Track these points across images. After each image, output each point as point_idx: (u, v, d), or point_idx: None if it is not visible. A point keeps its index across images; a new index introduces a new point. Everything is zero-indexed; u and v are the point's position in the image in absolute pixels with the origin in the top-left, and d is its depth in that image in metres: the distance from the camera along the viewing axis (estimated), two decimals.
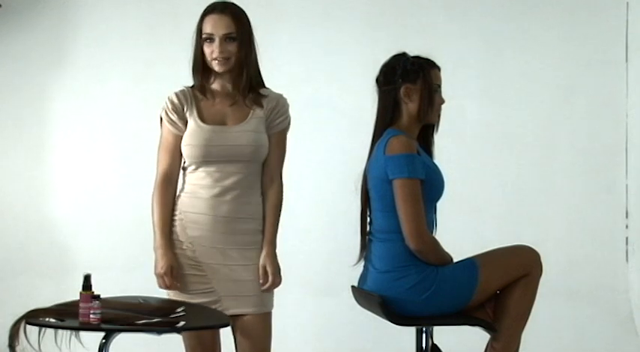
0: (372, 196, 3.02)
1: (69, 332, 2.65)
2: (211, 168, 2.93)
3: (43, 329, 2.58)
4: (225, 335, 2.97)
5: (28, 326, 2.60)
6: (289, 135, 3.06)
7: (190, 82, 3.05)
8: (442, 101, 3.10)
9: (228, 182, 2.92)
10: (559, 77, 4.78)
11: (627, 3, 4.70)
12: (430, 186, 2.95)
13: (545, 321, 3.97)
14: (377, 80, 3.10)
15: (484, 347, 3.00)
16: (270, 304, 2.97)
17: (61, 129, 5.13)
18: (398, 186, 2.89)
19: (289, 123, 3.04)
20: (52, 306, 2.73)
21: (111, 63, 5.08)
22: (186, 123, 2.97)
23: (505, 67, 4.81)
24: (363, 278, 3.07)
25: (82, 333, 2.65)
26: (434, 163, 3.06)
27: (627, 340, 4.56)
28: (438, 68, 3.08)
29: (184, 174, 3.01)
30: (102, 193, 5.06)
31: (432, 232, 3.00)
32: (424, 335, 3.00)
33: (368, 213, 3.09)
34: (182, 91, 3.02)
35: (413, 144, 2.95)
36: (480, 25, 4.83)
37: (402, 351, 3.78)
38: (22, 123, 5.17)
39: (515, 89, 4.81)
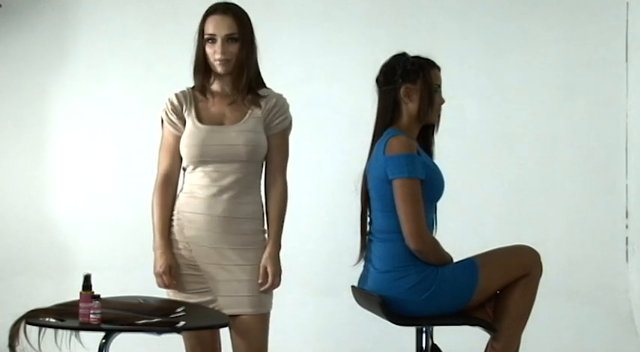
0: (372, 196, 3.02)
1: (69, 332, 2.66)
2: (208, 168, 2.93)
3: (43, 329, 2.58)
4: (226, 334, 2.97)
5: (28, 326, 2.60)
6: (289, 135, 3.06)
7: (190, 83, 3.05)
8: (442, 101, 3.10)
9: (225, 182, 2.93)
10: (559, 77, 4.78)
11: (627, 3, 4.70)
12: (430, 186, 2.95)
13: (545, 321, 3.97)
14: (377, 80, 3.10)
15: (484, 347, 3.00)
16: (267, 305, 2.96)
17: (61, 129, 5.14)
18: (398, 186, 2.89)
19: (290, 124, 3.04)
20: (52, 306, 2.74)
21: (111, 63, 5.09)
22: (185, 123, 2.98)
23: (505, 66, 4.81)
24: (363, 278, 3.07)
25: (82, 333, 2.65)
26: (434, 163, 3.06)
27: (627, 340, 4.55)
28: (438, 68, 3.08)
29: (184, 175, 3.02)
30: (102, 193, 5.06)
31: (432, 232, 3.00)
32: (424, 335, 3.00)
33: (368, 213, 3.09)
34: (182, 92, 3.03)
35: (413, 144, 2.95)
36: (480, 25, 4.83)
37: (402, 351, 3.78)
38: (22, 123, 5.18)
39: (515, 89, 4.81)
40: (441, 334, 3.15)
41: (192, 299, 2.92)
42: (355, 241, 3.12)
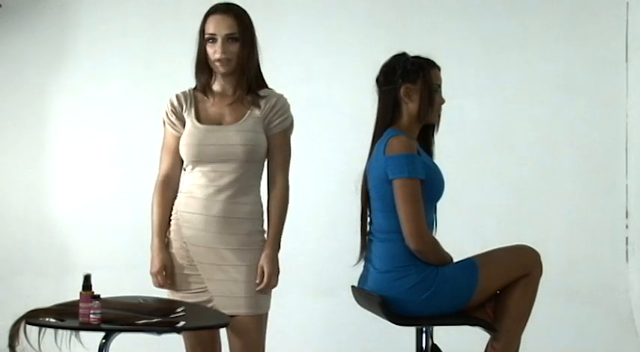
0: (372, 196, 3.02)
1: (69, 332, 2.65)
2: (206, 168, 2.94)
3: (43, 329, 2.58)
4: (225, 334, 2.97)
5: (28, 326, 2.60)
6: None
7: (191, 82, 3.05)
8: (442, 101, 3.10)
9: (222, 182, 2.93)
10: (559, 77, 4.78)
11: (627, 3, 4.70)
12: (430, 186, 2.95)
13: (545, 321, 3.96)
14: (377, 80, 3.10)
15: (484, 347, 3.00)
16: (264, 306, 2.96)
17: (60, 129, 5.14)
18: (398, 186, 2.89)
19: (291, 124, 3.03)
20: (52, 306, 2.73)
21: (111, 62, 5.09)
22: (184, 124, 2.98)
23: (505, 67, 4.82)
24: (363, 278, 3.07)
25: (82, 333, 2.65)
26: (434, 163, 3.06)
27: (627, 340, 4.56)
28: (438, 68, 3.08)
29: (184, 175, 3.02)
30: (102, 193, 5.06)
31: (432, 232, 3.00)
32: (424, 335, 3.00)
33: (368, 213, 3.09)
34: (183, 93, 3.04)
35: (413, 144, 2.95)
36: (480, 25, 4.83)
37: (402, 351, 3.78)
38: (22, 122, 5.18)
39: (515, 89, 4.81)
40: (441, 334, 3.15)
41: (189, 299, 2.93)
42: (355, 241, 3.12)
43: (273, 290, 2.99)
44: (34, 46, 5.15)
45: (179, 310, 2.73)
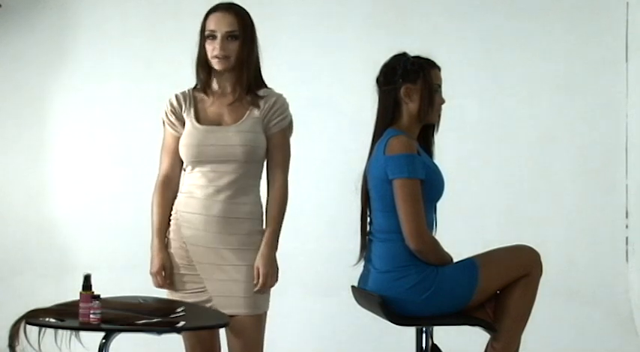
0: (372, 196, 3.02)
1: (69, 332, 2.65)
2: (206, 168, 2.94)
3: (43, 329, 2.58)
4: (224, 334, 2.97)
5: (28, 326, 2.60)
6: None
7: (191, 82, 3.05)
8: (442, 101, 3.10)
9: (222, 182, 2.93)
10: (559, 77, 4.78)
11: (627, 3, 4.70)
12: (430, 186, 2.95)
13: (545, 321, 3.96)
14: (377, 80, 3.10)
15: (484, 347, 3.00)
16: (263, 306, 2.95)
17: (61, 129, 5.14)
18: (398, 186, 2.89)
19: (290, 124, 3.03)
20: (52, 306, 2.73)
21: (111, 62, 5.09)
22: (184, 124, 2.98)
23: (505, 67, 4.82)
24: (363, 278, 3.07)
25: (82, 333, 2.65)
26: (434, 163, 3.06)
27: (627, 340, 4.56)
28: (438, 68, 3.08)
29: (184, 175, 3.03)
30: (102, 193, 5.06)
31: (432, 232, 3.00)
32: (424, 335, 3.00)
33: (368, 213, 3.08)
34: (182, 93, 3.04)
35: (413, 144, 2.95)
36: (480, 25, 4.83)
37: (402, 351, 3.78)
38: (22, 122, 5.18)
39: (515, 89, 4.81)
40: (441, 334, 3.15)
41: (189, 298, 2.93)
42: (355, 241, 3.12)
43: (273, 290, 2.99)
44: (34, 46, 5.15)
45: (179, 310, 2.73)
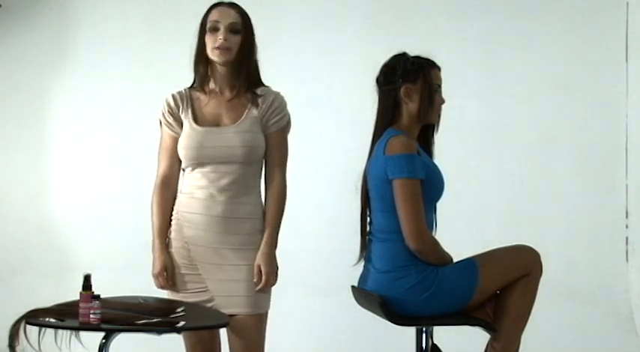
0: (372, 196, 3.01)
1: (69, 332, 2.65)
2: (206, 169, 2.94)
3: (43, 329, 2.58)
4: (225, 334, 2.97)
5: (28, 326, 2.60)
6: (289, 135, 3.06)
7: (191, 82, 3.05)
8: (442, 101, 3.10)
9: (222, 182, 2.93)
10: (559, 77, 4.78)
11: (627, 3, 4.70)
12: (430, 186, 2.95)
13: (545, 321, 3.97)
14: (377, 80, 3.10)
15: (484, 347, 3.00)
16: (264, 305, 2.96)
17: (60, 129, 5.14)
18: (398, 186, 2.89)
19: (288, 122, 3.04)
20: (52, 306, 2.73)
21: (111, 62, 5.09)
22: (182, 124, 2.99)
23: (505, 66, 4.81)
24: (363, 278, 3.07)
25: (82, 333, 2.65)
26: (434, 163, 3.06)
27: (627, 340, 4.55)
28: (438, 68, 3.08)
29: (183, 175, 3.03)
30: (102, 193, 5.06)
31: (432, 232, 3.00)
32: (424, 335, 2.99)
33: (368, 213, 3.08)
34: (179, 93, 3.04)
35: (413, 144, 2.95)
36: (480, 25, 4.83)
37: (402, 351, 3.78)
38: (22, 122, 5.18)
39: (515, 89, 4.81)
40: (441, 334, 3.15)
41: (190, 298, 2.93)
42: (355, 241, 3.11)
43: (273, 290, 3.00)
44: (34, 46, 5.15)
45: (179, 310, 2.74)
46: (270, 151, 2.99)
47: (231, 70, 2.97)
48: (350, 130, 4.72)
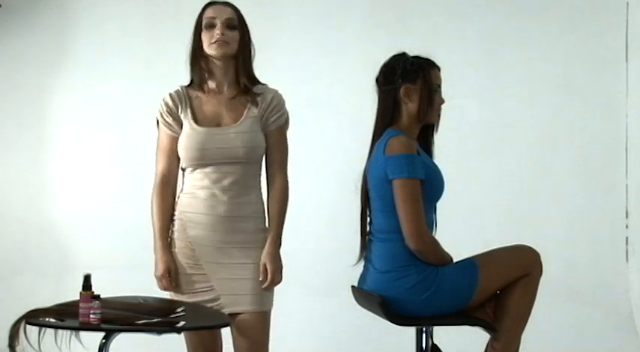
0: (372, 196, 3.01)
1: (69, 332, 2.65)
2: (208, 170, 2.94)
3: (43, 329, 2.58)
4: (227, 333, 2.97)
5: (28, 326, 2.60)
6: (289, 135, 3.06)
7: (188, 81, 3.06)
8: (442, 101, 3.10)
9: (225, 182, 2.93)
10: (559, 77, 4.78)
11: (627, 3, 4.70)
12: (430, 186, 2.95)
13: (545, 321, 3.96)
14: (377, 80, 3.10)
15: (484, 347, 3.00)
16: (268, 303, 2.97)
17: (60, 129, 5.14)
18: (398, 186, 2.89)
19: (287, 120, 3.04)
20: (52, 306, 2.74)
21: (111, 62, 5.09)
22: (181, 124, 2.98)
23: (505, 66, 4.81)
24: (363, 278, 3.07)
25: (82, 333, 2.65)
26: (434, 163, 3.06)
27: (627, 340, 4.55)
28: (438, 68, 3.08)
29: (184, 175, 3.02)
30: (102, 193, 5.06)
31: (432, 232, 3.00)
32: (424, 335, 3.00)
33: (368, 213, 3.08)
34: (177, 92, 3.03)
35: (413, 144, 2.95)
36: (480, 25, 4.83)
37: (402, 351, 3.78)
38: (22, 122, 5.18)
39: (515, 89, 4.81)
40: (441, 334, 3.15)
41: (195, 298, 2.93)
42: (355, 241, 3.11)
43: (275, 288, 3.00)
44: (34, 46, 5.15)
45: (179, 310, 2.73)
46: (270, 150, 3.00)
47: (229, 65, 2.97)
48: (350, 130, 4.72)
